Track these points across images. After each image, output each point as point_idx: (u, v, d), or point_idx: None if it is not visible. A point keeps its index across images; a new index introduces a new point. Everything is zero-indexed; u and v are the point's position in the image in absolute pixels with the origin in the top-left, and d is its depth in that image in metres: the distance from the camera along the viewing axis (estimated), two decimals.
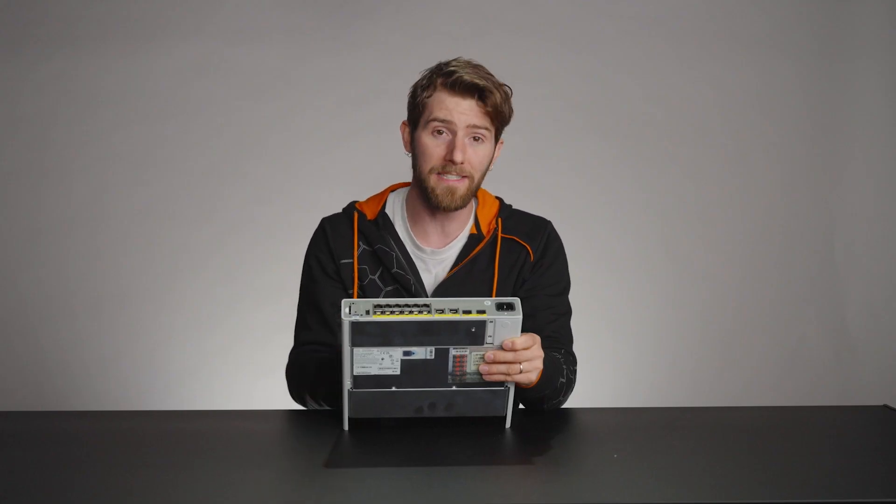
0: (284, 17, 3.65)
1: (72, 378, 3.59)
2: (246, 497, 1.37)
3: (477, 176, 1.87)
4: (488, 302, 1.56)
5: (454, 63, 1.85)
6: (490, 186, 2.04)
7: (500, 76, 1.89)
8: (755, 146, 3.74)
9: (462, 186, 1.86)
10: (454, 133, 1.84)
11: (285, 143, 3.67)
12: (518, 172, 3.53)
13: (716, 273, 3.73)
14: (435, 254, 1.92)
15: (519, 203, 2.02)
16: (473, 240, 1.93)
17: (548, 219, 2.00)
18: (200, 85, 3.64)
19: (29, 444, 1.62)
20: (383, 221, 1.93)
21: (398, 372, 1.58)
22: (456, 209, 1.88)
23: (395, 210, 1.96)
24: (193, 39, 3.63)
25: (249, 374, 3.56)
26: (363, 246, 1.92)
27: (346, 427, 1.65)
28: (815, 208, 3.76)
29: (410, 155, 1.92)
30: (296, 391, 1.91)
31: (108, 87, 3.63)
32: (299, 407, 1.93)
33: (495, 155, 1.93)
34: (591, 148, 3.70)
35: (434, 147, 1.85)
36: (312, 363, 1.85)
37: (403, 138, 1.94)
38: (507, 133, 1.94)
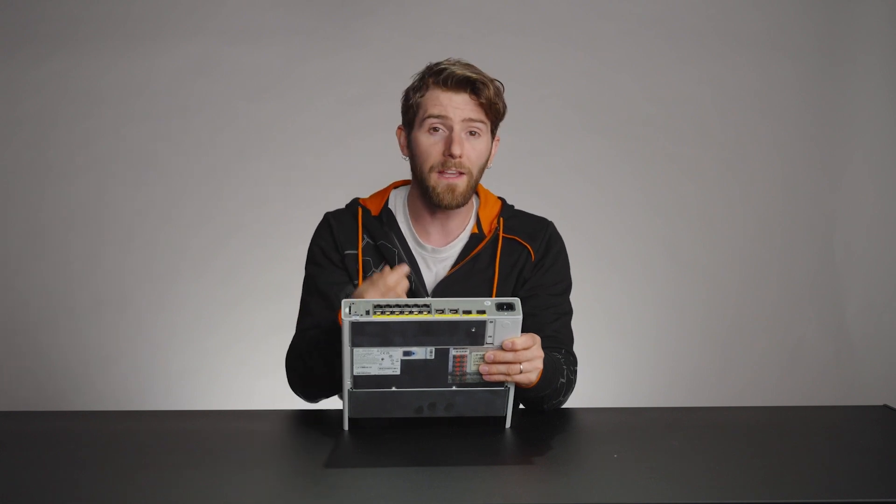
0: (284, 17, 3.65)
1: (72, 378, 3.59)
2: (246, 497, 1.38)
3: (475, 171, 1.87)
4: (488, 302, 1.56)
5: (444, 62, 1.88)
6: (491, 186, 2.04)
7: (501, 76, 1.89)
8: (755, 146, 3.74)
9: (462, 183, 1.86)
10: (450, 128, 1.85)
11: (285, 143, 3.67)
12: (518, 172, 3.53)
13: (716, 273, 3.73)
14: (437, 252, 1.93)
15: (519, 203, 2.02)
16: (475, 239, 1.93)
17: (550, 219, 2.00)
18: (200, 85, 3.64)
19: (29, 444, 1.62)
20: (387, 218, 1.94)
21: (398, 372, 1.58)
22: (457, 206, 1.88)
23: (398, 207, 1.97)
24: (193, 39, 3.63)
25: (249, 374, 3.56)
26: (367, 239, 1.93)
27: (346, 427, 1.65)
28: (814, 208, 3.76)
29: (408, 158, 1.92)
30: (294, 375, 1.87)
31: (108, 87, 3.63)
32: (299, 407, 1.92)
33: (493, 152, 1.94)
34: (591, 148, 3.70)
35: (431, 145, 1.86)
36: (307, 338, 1.83)
37: (400, 143, 1.95)
38: (507, 132, 1.94)
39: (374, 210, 1.96)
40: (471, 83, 1.85)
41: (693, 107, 3.72)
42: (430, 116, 1.85)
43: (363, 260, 1.92)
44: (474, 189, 1.90)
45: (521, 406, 1.85)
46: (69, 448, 1.61)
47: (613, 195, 3.71)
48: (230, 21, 3.65)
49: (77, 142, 3.63)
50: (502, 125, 1.93)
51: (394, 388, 1.60)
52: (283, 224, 3.59)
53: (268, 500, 1.38)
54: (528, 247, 1.93)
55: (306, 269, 1.97)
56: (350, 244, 1.93)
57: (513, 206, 2.00)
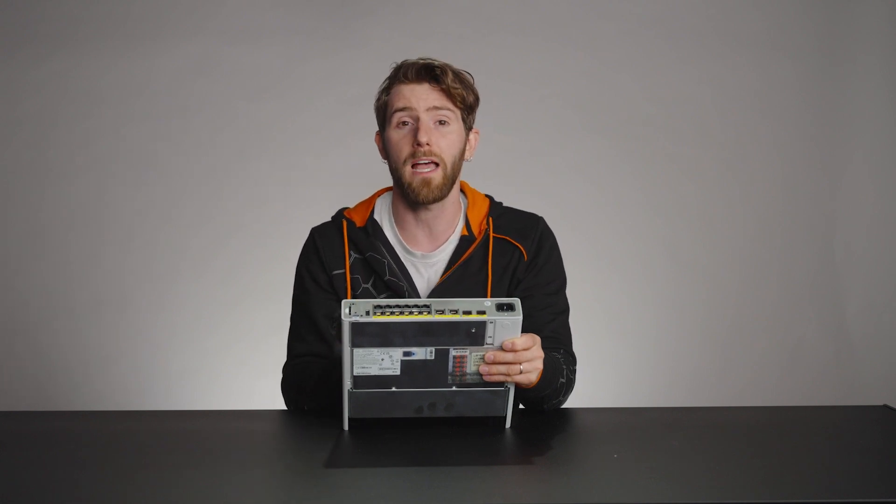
0: (284, 17, 3.65)
1: (72, 378, 3.59)
2: (246, 497, 1.37)
3: (449, 161, 1.85)
4: (488, 303, 1.56)
5: (406, 60, 1.88)
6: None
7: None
8: (755, 146, 3.74)
9: (436, 176, 1.84)
10: (416, 118, 1.84)
11: (285, 143, 3.67)
12: (518, 172, 3.54)
13: (716, 273, 3.73)
14: (426, 257, 1.90)
15: (519, 203, 2.01)
16: (465, 242, 1.90)
17: (540, 215, 1.97)
18: (200, 85, 3.64)
19: (29, 444, 1.62)
20: (373, 228, 1.91)
21: (398, 372, 1.58)
22: (435, 200, 1.85)
23: (383, 215, 1.93)
24: (193, 39, 3.63)
25: (249, 374, 3.56)
26: (354, 255, 1.90)
27: (346, 427, 1.65)
28: (814, 208, 3.76)
29: (387, 162, 1.91)
30: (293, 405, 1.90)
31: (108, 87, 3.63)
32: None
33: (472, 144, 1.92)
34: (591, 148, 3.70)
35: (401, 138, 1.85)
36: (307, 377, 1.84)
37: (378, 148, 1.94)
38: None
39: (360, 221, 1.92)
40: (429, 71, 1.85)
41: (693, 107, 3.72)
42: (396, 111, 1.85)
43: (351, 278, 1.89)
44: (452, 181, 1.87)
45: (521, 406, 1.84)
46: (69, 448, 1.61)
47: (613, 195, 3.71)
48: (230, 21, 3.65)
49: (77, 142, 3.63)
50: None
51: (394, 389, 1.60)
52: (283, 224, 3.59)
53: (268, 500, 1.38)
54: (520, 246, 1.91)
55: (294, 290, 1.95)
56: (337, 263, 1.90)
57: (501, 204, 1.97)
